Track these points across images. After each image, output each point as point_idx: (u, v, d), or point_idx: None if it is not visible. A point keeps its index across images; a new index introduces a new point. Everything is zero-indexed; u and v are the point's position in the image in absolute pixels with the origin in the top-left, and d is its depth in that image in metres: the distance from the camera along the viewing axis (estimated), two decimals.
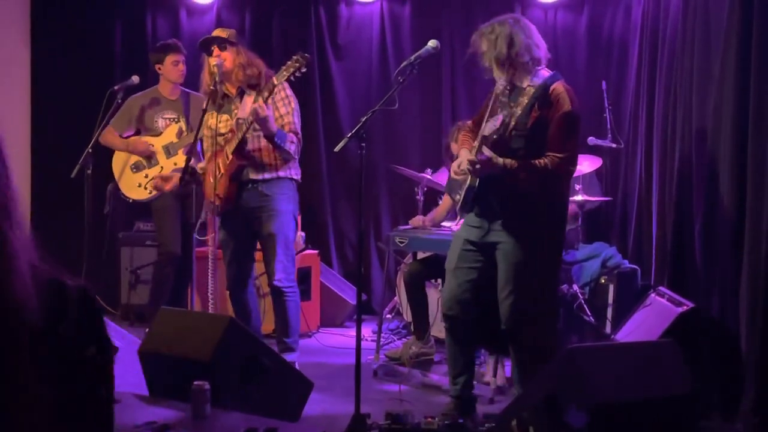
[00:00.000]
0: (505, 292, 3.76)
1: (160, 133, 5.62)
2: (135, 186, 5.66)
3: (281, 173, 4.61)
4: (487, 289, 3.85)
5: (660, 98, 5.49)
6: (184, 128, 5.60)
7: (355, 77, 7.08)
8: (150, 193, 5.60)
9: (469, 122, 4.19)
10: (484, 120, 3.80)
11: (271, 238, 4.60)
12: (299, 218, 5.44)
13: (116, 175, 5.72)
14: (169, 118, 5.65)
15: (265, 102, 4.33)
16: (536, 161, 3.66)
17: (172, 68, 5.61)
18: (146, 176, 5.63)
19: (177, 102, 5.68)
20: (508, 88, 3.81)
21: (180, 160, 5.45)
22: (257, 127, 4.40)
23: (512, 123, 3.62)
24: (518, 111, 3.64)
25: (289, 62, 4.32)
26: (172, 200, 5.56)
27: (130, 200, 5.70)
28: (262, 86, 4.50)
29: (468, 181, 3.73)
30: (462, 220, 4.16)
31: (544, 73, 3.78)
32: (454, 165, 3.89)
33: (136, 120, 5.69)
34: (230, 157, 4.53)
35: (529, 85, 3.72)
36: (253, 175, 4.59)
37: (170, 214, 5.59)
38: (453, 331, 3.99)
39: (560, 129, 3.67)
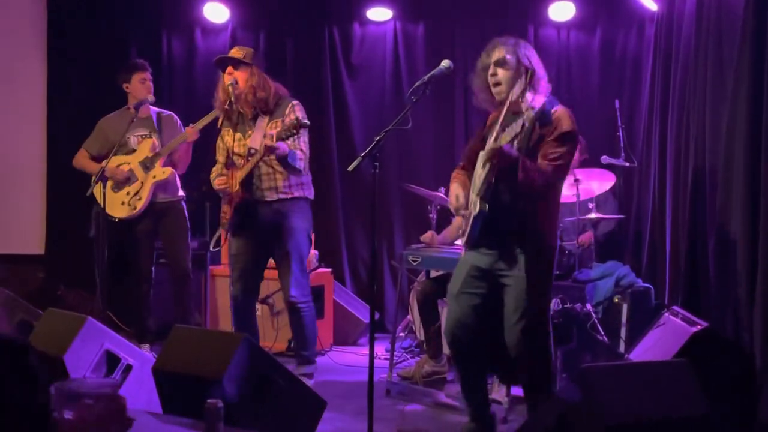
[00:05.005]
0: (515, 318, 3.72)
1: (134, 150, 5.67)
2: (119, 204, 5.66)
3: (296, 193, 4.72)
4: (494, 316, 3.82)
5: (673, 116, 5.48)
6: (157, 142, 5.68)
7: (368, 96, 7.10)
8: (134, 209, 5.63)
9: (462, 163, 4.11)
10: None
11: (286, 255, 4.69)
12: (313, 236, 5.47)
13: (98, 197, 5.56)
14: (141, 135, 5.71)
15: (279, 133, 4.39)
16: (540, 163, 3.65)
17: (139, 86, 5.72)
18: (128, 193, 5.65)
19: (148, 119, 5.77)
20: (508, 111, 3.80)
21: (158, 172, 5.60)
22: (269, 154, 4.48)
23: (515, 144, 3.61)
24: (520, 131, 3.62)
25: (290, 124, 4.36)
26: (147, 221, 5.68)
27: (116, 219, 5.66)
28: (272, 109, 4.62)
29: (476, 209, 3.69)
30: None
31: (541, 98, 3.77)
32: (452, 200, 3.90)
33: (109, 140, 5.74)
34: (237, 187, 4.63)
35: (528, 108, 3.69)
36: (269, 196, 4.64)
37: (145, 234, 5.72)
38: (460, 356, 3.95)
39: (557, 140, 3.67)
